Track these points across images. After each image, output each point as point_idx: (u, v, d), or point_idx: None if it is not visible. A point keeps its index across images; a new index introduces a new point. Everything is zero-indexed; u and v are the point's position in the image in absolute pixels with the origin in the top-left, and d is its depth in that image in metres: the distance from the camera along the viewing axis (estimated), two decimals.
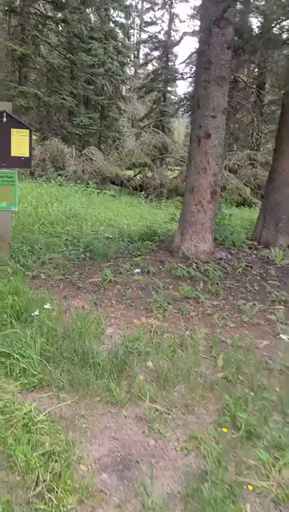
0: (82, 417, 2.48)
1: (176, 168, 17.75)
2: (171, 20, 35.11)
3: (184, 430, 2.43)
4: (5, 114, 5.01)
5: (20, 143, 5.09)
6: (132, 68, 43.25)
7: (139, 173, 17.30)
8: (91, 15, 28.56)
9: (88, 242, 6.31)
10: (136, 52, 46.97)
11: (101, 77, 26.61)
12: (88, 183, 14.77)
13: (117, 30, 30.61)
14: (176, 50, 46.08)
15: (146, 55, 38.44)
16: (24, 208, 8.73)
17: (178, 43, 32.09)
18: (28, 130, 5.09)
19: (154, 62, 36.37)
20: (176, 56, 38.30)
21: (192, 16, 38.97)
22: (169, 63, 35.13)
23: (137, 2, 45.23)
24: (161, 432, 2.40)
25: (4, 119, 5.02)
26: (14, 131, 5.06)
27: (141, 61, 46.09)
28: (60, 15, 18.19)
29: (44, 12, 19.86)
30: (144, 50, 48.04)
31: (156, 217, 10.42)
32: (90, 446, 2.26)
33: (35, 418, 2.26)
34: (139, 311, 4.12)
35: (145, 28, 40.03)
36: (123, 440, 2.34)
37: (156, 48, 35.84)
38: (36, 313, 3.45)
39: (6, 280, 4.12)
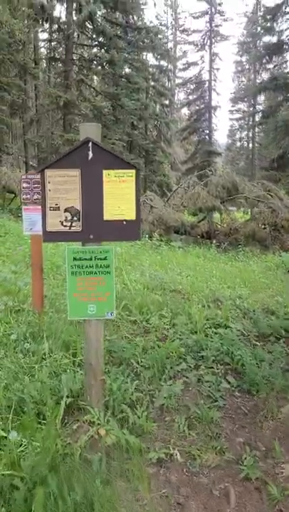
0: None
1: (247, 209, 15.24)
2: (211, 60, 34.02)
3: None
4: (90, 145, 2.66)
5: (119, 195, 2.70)
6: (174, 112, 42.37)
7: (204, 218, 14.89)
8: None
9: (217, 347, 3.74)
10: (173, 97, 46.38)
11: (144, 121, 25.21)
12: (151, 235, 12.45)
13: (158, 74, 29.61)
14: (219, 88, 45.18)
15: (189, 94, 37.37)
16: None
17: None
18: (134, 171, 2.69)
19: (196, 102, 35.06)
20: (218, 93, 37.16)
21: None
22: (212, 103, 33.76)
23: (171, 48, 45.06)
24: None
25: (90, 155, 2.67)
26: (109, 175, 2.68)
27: (179, 104, 45.48)
28: (106, 56, 16.80)
29: (87, 56, 18.69)
30: (178, 94, 47.66)
31: (258, 278, 7.76)
32: None
33: None
34: None
35: (185, 70, 39.29)
36: None
37: (197, 88, 34.71)
38: None
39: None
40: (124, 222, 2.70)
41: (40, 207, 4.55)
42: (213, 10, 33.83)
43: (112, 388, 2.82)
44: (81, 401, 2.90)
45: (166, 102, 32.33)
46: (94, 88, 18.75)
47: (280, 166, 18.90)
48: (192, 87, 37.17)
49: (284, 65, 22.09)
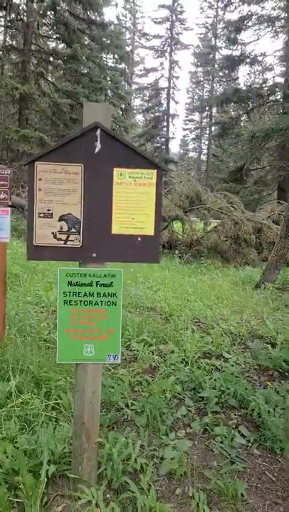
0: None
1: (213, 220, 14.97)
2: (171, 68, 34.05)
3: None
4: (99, 133, 1.99)
5: (134, 202, 2.05)
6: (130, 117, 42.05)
7: (166, 227, 14.44)
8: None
9: (218, 385, 3.17)
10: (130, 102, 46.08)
11: None
12: None
13: (118, 76, 29.06)
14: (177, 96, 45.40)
15: (145, 101, 37.12)
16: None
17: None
18: (156, 171, 2.05)
19: (154, 109, 34.89)
20: (176, 102, 37.22)
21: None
22: (170, 111, 33.73)
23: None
24: None
25: (97, 146, 2.00)
26: (121, 175, 2.03)
27: (134, 110, 45.20)
28: (68, 51, 15.95)
29: (48, 49, 17.68)
30: (134, 100, 47.40)
31: (229, 294, 7.34)
32: None
33: None
34: None
35: (142, 77, 39.04)
36: None
37: (156, 95, 34.56)
38: None
39: None
40: (139, 239, 2.05)
41: (6, 209, 3.78)
42: (174, 17, 33.93)
43: (112, 454, 2.14)
44: (67, 470, 2.19)
45: (123, 106, 31.86)
46: (53, 84, 17.76)
47: (238, 178, 18.96)
48: (148, 93, 37.05)
49: (246, 78, 22.37)
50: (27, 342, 3.86)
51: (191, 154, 50.88)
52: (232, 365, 3.52)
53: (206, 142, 38.97)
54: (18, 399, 2.86)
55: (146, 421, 2.76)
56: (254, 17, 19.04)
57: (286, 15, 15.07)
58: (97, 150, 2.00)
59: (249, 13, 19.07)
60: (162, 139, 33.26)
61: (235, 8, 18.86)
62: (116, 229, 2.04)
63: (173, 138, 37.44)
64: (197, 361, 3.71)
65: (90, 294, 2.06)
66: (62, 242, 2.02)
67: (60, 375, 3.17)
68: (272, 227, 13.20)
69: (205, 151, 40.44)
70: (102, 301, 2.08)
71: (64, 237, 2.02)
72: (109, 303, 2.08)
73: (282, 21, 17.67)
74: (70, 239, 2.02)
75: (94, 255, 2.04)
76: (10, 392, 2.94)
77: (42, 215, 2.00)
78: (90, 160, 1.99)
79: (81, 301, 2.07)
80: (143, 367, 3.60)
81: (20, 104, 16.31)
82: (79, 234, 2.02)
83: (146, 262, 2.12)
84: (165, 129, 33.19)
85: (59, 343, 2.08)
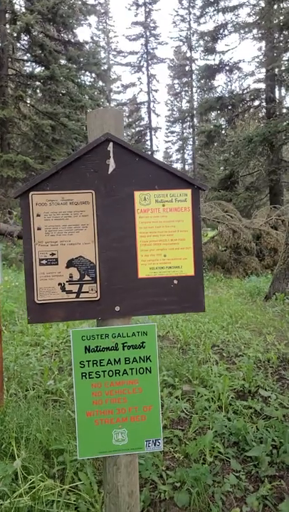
0: None
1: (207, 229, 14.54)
2: (149, 82, 34.07)
3: None
4: (111, 148, 1.48)
5: (165, 233, 1.54)
6: None
7: None
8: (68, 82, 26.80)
9: (264, 437, 2.65)
10: None
11: (86, 141, 24.19)
12: None
13: (97, 94, 28.91)
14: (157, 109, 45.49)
15: (128, 116, 37.07)
16: None
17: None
18: (191, 191, 1.55)
19: (135, 123, 34.81)
20: (157, 115, 37.21)
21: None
22: (152, 124, 33.66)
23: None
24: None
25: (111, 165, 1.49)
26: (145, 199, 1.52)
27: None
28: (46, 72, 15.59)
29: (26, 72, 17.36)
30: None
31: (240, 308, 6.83)
32: None
33: None
34: None
35: (120, 93, 39.10)
36: None
37: (137, 110, 34.51)
38: None
39: None
40: (176, 282, 1.54)
41: None
42: (148, 33, 34.09)
43: None
44: None
45: None
46: (33, 106, 17.39)
47: (229, 186, 18.66)
48: (128, 109, 36.99)
49: (225, 86, 22.31)
50: (30, 398, 3.30)
51: (175, 165, 50.92)
52: (276, 409, 2.98)
53: (190, 153, 38.90)
54: (25, 483, 2.29)
55: (189, 499, 2.21)
56: (229, 25, 19.01)
57: (263, 21, 14.94)
58: (110, 170, 1.50)
59: (224, 21, 19.04)
60: (148, 152, 33.10)
61: (210, 17, 18.79)
62: (144, 271, 1.52)
63: (157, 151, 37.31)
64: (232, 404, 3.18)
65: (115, 360, 1.54)
66: (74, 295, 1.50)
67: (73, 442, 2.61)
68: (272, 233, 12.79)
69: (189, 161, 40.38)
70: (132, 369, 1.55)
71: (76, 288, 1.50)
72: (142, 370, 1.56)
73: (256, 30, 17.57)
74: (83, 290, 1.50)
75: (117, 309, 1.52)
76: (15, 472, 2.38)
77: (44, 261, 1.48)
78: (102, 184, 1.49)
79: (104, 371, 1.54)
80: (171, 417, 3.06)
81: (0, 130, 15.88)
82: (95, 282, 1.50)
83: (187, 311, 1.60)
84: (148, 142, 33.02)
85: (79, 431, 1.54)
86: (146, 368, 1.56)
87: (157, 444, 1.57)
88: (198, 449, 2.57)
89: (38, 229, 1.48)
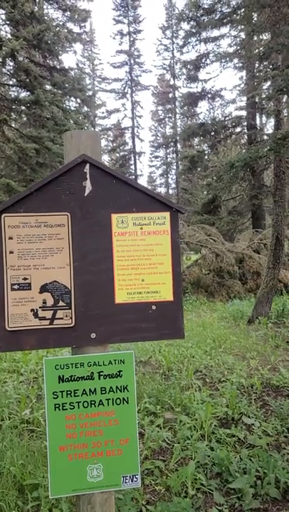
0: None
1: (190, 253, 14.59)
2: (133, 108, 34.73)
3: None
4: (87, 169, 1.45)
5: (142, 257, 1.50)
6: None
7: None
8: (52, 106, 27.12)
9: (248, 468, 2.56)
10: None
11: None
12: None
13: (82, 119, 29.28)
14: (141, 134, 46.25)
15: (110, 141, 37.53)
16: None
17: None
18: (169, 213, 1.52)
19: (120, 148, 35.24)
20: (141, 140, 37.83)
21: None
22: (136, 149, 34.13)
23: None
24: None
25: (87, 187, 1.45)
26: (123, 222, 1.48)
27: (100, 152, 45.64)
28: (31, 97, 15.72)
29: (11, 96, 17.50)
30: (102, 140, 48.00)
31: (223, 332, 6.77)
32: None
33: None
34: None
35: (104, 119, 39.67)
36: None
37: (121, 135, 35.00)
38: None
39: None
40: (154, 307, 1.48)
41: None
42: (132, 61, 34.98)
43: None
44: None
45: None
46: (18, 130, 17.46)
47: (211, 210, 18.86)
48: (112, 134, 37.51)
49: (207, 113, 22.88)
50: (5, 428, 3.15)
51: (158, 190, 51.37)
52: (259, 437, 2.91)
53: (174, 177, 39.42)
54: None
55: None
56: (211, 55, 19.63)
57: (243, 51, 15.49)
58: (87, 192, 1.46)
59: (206, 51, 19.66)
60: (131, 177, 33.42)
61: (193, 47, 19.39)
62: (121, 297, 1.47)
63: (141, 175, 37.75)
64: (214, 432, 3.09)
65: (90, 391, 1.46)
66: (48, 321, 1.43)
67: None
68: (254, 257, 12.90)
69: (173, 186, 40.88)
70: (108, 400, 1.47)
71: (49, 314, 1.43)
72: (118, 401, 1.48)
73: (237, 59, 18.20)
74: (57, 316, 1.44)
75: (93, 336, 1.46)
76: None
77: (16, 286, 1.42)
78: (78, 206, 1.45)
79: (79, 402, 1.46)
80: (152, 447, 2.94)
81: None
82: (70, 308, 1.44)
83: (166, 338, 1.54)
84: (133, 167, 33.39)
85: (51, 467, 1.44)
86: (123, 398, 1.49)
87: (135, 479, 1.48)
88: (180, 481, 2.47)
89: (11, 252, 1.42)
